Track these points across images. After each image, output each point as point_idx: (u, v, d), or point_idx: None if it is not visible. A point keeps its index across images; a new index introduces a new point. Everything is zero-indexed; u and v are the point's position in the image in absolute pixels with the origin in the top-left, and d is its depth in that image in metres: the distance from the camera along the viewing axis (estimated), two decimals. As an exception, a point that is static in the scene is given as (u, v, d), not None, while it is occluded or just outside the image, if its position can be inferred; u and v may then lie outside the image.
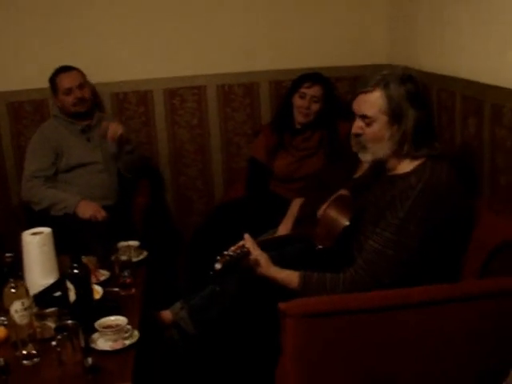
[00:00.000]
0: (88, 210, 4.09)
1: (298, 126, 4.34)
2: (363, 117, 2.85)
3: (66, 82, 4.35)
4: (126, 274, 3.22)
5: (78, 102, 4.34)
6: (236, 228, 3.31)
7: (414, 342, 2.62)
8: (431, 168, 2.78)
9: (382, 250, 2.74)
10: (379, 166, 3.03)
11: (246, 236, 2.99)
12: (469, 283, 2.78)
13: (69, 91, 4.33)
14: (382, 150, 2.86)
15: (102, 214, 4.09)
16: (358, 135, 2.90)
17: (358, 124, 2.88)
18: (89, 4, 4.62)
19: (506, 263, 2.72)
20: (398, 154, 2.85)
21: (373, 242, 2.79)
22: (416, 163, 2.83)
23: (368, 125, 2.84)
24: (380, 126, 2.82)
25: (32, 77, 4.61)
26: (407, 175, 2.82)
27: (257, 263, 2.94)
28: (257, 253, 2.95)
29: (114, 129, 4.22)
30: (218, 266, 2.85)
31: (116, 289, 3.20)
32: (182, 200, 5.00)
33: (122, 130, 4.26)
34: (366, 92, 2.85)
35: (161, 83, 4.79)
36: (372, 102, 2.82)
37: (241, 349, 3.07)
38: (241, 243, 3.00)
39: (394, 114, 2.79)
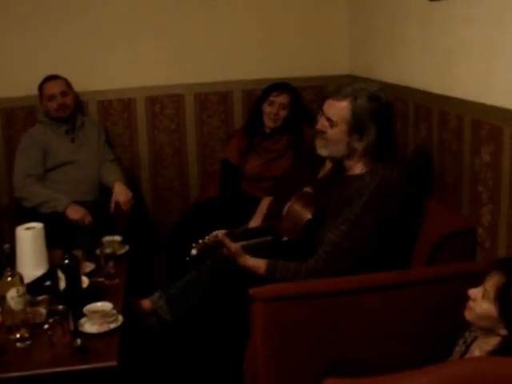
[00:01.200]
0: (76, 213, 4.14)
1: (268, 131, 4.42)
2: (328, 119, 2.97)
3: (49, 89, 4.41)
4: (110, 265, 3.31)
5: (59, 107, 4.40)
6: (210, 224, 3.38)
7: (371, 323, 2.71)
8: (384, 170, 2.91)
9: (339, 241, 2.85)
10: (340, 167, 3.16)
11: (218, 231, 3.12)
12: (418, 269, 2.92)
13: (52, 97, 4.39)
14: (337, 151, 3.00)
15: (89, 219, 4.15)
16: (321, 132, 3.02)
17: (324, 123, 3.00)
18: (77, 18, 4.66)
19: (450, 252, 2.89)
20: (354, 158, 2.98)
21: (331, 235, 2.90)
22: (371, 165, 2.95)
23: (331, 126, 2.96)
24: (339, 131, 2.94)
25: (24, 84, 4.64)
26: (363, 175, 2.94)
27: (229, 252, 3.05)
28: (228, 242, 3.06)
29: (126, 203, 4.28)
30: (193, 251, 2.97)
31: (101, 279, 3.29)
32: (160, 199, 5.04)
33: (131, 197, 4.32)
34: (335, 99, 2.96)
35: (143, 91, 4.84)
36: (338, 110, 2.94)
37: (214, 334, 3.18)
38: (214, 233, 3.12)
39: (355, 126, 2.90)
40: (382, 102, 2.93)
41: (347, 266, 2.85)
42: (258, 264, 3.00)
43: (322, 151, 3.07)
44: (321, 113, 3.06)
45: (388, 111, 2.97)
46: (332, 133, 2.97)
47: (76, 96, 4.62)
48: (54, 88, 4.42)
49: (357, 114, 2.89)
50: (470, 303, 2.20)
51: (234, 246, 3.08)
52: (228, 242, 3.08)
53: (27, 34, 4.66)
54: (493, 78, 2.79)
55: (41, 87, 4.47)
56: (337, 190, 3.10)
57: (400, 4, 3.78)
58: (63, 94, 4.44)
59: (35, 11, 4.64)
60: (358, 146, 2.93)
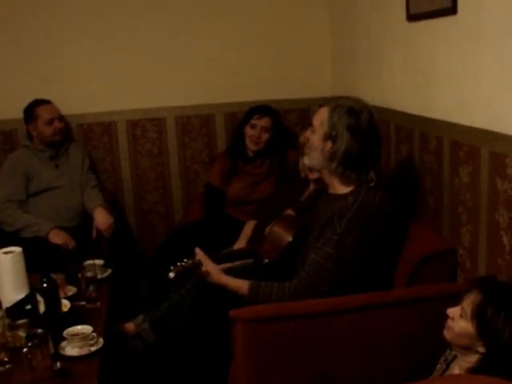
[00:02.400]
0: (59, 238, 4.17)
1: (251, 154, 4.47)
2: (311, 125, 3.06)
3: (47, 113, 4.44)
4: (91, 289, 3.32)
5: (57, 132, 4.45)
6: (194, 247, 3.35)
7: (352, 343, 2.76)
8: (366, 191, 2.95)
9: (322, 262, 2.88)
10: (321, 187, 3.21)
11: (197, 250, 3.14)
12: (398, 291, 2.95)
13: (50, 122, 4.43)
14: (315, 158, 3.04)
15: (72, 244, 4.18)
16: (306, 141, 3.13)
17: (308, 131, 3.12)
18: (57, 40, 4.71)
19: (430, 273, 2.94)
20: (330, 171, 3.01)
21: (314, 256, 2.92)
22: (353, 186, 2.99)
23: (312, 132, 3.04)
24: (318, 137, 3.00)
25: (1, 108, 4.67)
26: (345, 195, 2.97)
27: (208, 273, 3.08)
28: (207, 263, 3.10)
29: (107, 229, 4.32)
30: (171, 274, 3.00)
31: (82, 302, 3.30)
32: (144, 223, 5.07)
33: (111, 222, 4.36)
34: (322, 106, 3.05)
35: (123, 115, 4.87)
36: (319, 115, 3.02)
37: (198, 355, 3.19)
38: (193, 256, 3.15)
39: (329, 132, 2.94)
40: (359, 120, 2.94)
41: (330, 287, 2.87)
42: (241, 285, 3.02)
43: (305, 159, 3.18)
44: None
45: (367, 130, 2.96)
46: (312, 139, 3.04)
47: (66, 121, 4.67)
48: (51, 112, 4.47)
49: (332, 121, 2.94)
50: (449, 322, 2.24)
51: (213, 266, 3.11)
52: (207, 262, 3.11)
53: (3, 58, 4.70)
54: (471, 99, 2.85)
55: (32, 110, 4.48)
56: (319, 209, 3.14)
57: (380, 25, 3.85)
58: (60, 118, 4.50)
59: (13, 36, 4.68)
60: (329, 154, 2.97)
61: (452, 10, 2.89)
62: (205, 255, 3.14)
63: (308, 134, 3.10)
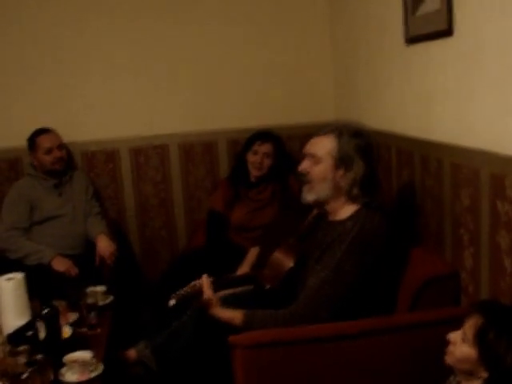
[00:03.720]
0: (62, 265, 4.16)
1: (253, 180, 4.45)
2: (312, 156, 2.98)
3: (46, 142, 4.45)
4: (92, 315, 3.32)
5: (56, 161, 4.45)
6: (197, 274, 3.33)
7: (354, 369, 2.73)
8: (365, 215, 2.92)
9: (320, 286, 2.84)
10: (321, 214, 3.18)
11: (204, 276, 3.09)
12: (400, 315, 2.92)
13: (49, 151, 4.43)
14: (323, 190, 2.97)
15: (75, 271, 4.17)
16: (304, 174, 3.01)
17: (306, 163, 3.01)
18: (61, 70, 4.74)
19: (433, 297, 2.90)
20: (340, 198, 2.98)
21: (312, 280, 2.89)
22: (353, 210, 2.96)
23: (315, 164, 2.97)
24: (325, 167, 2.94)
25: (6, 136, 4.71)
26: (344, 221, 2.95)
27: (207, 303, 3.03)
28: (208, 293, 3.03)
29: (109, 256, 4.30)
30: (171, 302, 2.98)
31: (84, 329, 3.29)
32: (148, 250, 5.06)
33: (114, 249, 4.35)
34: (318, 135, 3.00)
35: (127, 142, 4.89)
36: (323, 144, 2.96)
37: (199, 381, 3.15)
38: (192, 283, 3.12)
39: (341, 161, 2.92)
40: (365, 139, 2.97)
41: (328, 312, 2.83)
42: (234, 315, 2.95)
43: (308, 196, 3.04)
44: (302, 156, 3.07)
45: (371, 149, 2.99)
46: (316, 170, 2.97)
47: (68, 149, 4.68)
48: (51, 141, 4.47)
49: (343, 148, 2.92)
50: (450, 347, 2.21)
51: (210, 295, 3.04)
52: (207, 292, 3.05)
53: (9, 86, 4.75)
54: (471, 121, 2.84)
55: (33, 140, 4.50)
56: (318, 236, 3.11)
57: (379, 49, 3.87)
58: (59, 147, 4.50)
59: (18, 65, 4.73)
60: (343, 182, 2.95)
61: (448, 31, 2.90)
62: (209, 283, 3.07)
63: (308, 166, 3.01)
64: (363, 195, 2.95)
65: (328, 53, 4.93)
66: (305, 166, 3.02)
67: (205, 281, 3.08)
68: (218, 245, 4.42)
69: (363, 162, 2.92)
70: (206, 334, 3.11)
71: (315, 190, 3.00)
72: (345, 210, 3.00)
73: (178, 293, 3.07)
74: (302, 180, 3.06)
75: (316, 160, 2.97)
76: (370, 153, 2.98)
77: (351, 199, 2.98)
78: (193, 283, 3.13)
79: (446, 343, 2.22)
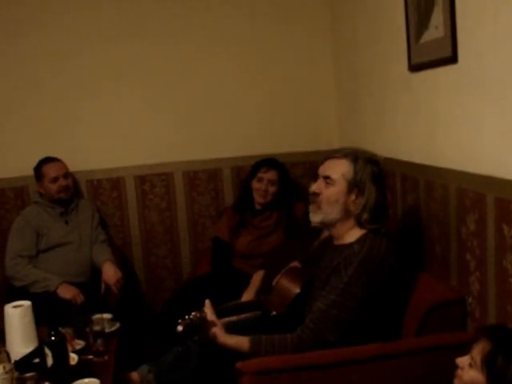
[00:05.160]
0: (68, 292, 4.15)
1: (258, 207, 4.46)
2: (326, 177, 2.98)
3: (52, 171, 4.46)
4: (99, 342, 3.30)
5: (62, 189, 4.46)
6: (202, 301, 3.32)
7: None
8: (372, 239, 2.93)
9: (326, 310, 2.83)
10: (327, 239, 3.19)
11: (207, 302, 3.05)
12: (407, 340, 2.90)
13: (55, 180, 4.44)
14: (332, 213, 2.97)
15: (81, 298, 4.16)
16: (315, 194, 3.00)
17: (319, 184, 3.00)
18: (66, 99, 4.78)
19: (440, 322, 2.89)
20: (347, 222, 2.99)
21: (319, 303, 2.88)
22: (359, 234, 2.97)
23: (328, 185, 2.97)
24: (338, 190, 2.95)
25: (13, 165, 4.74)
26: (351, 244, 2.95)
27: (212, 332, 2.97)
28: (211, 318, 2.98)
29: (115, 284, 4.30)
30: (179, 328, 2.95)
31: (90, 356, 3.27)
32: (152, 277, 5.05)
33: (120, 277, 4.34)
34: (335, 158, 3.00)
35: (131, 170, 4.91)
36: (339, 167, 2.96)
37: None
38: (201, 310, 3.09)
39: (355, 185, 2.93)
40: (378, 166, 3.00)
41: (335, 336, 2.82)
42: (241, 341, 2.91)
43: (315, 217, 3.03)
44: (315, 177, 3.07)
45: (383, 177, 3.04)
46: (329, 192, 2.97)
47: (73, 177, 4.70)
48: (56, 170, 4.49)
49: (357, 173, 2.93)
50: (459, 372, 2.20)
51: (214, 320, 3.00)
52: (211, 319, 3.00)
53: (16, 116, 4.78)
54: (475, 146, 2.84)
55: (39, 169, 4.52)
56: (324, 260, 3.11)
57: (382, 77, 3.88)
58: (65, 176, 4.52)
59: (24, 95, 4.76)
60: (353, 206, 2.96)
61: (453, 58, 2.91)
62: (212, 309, 3.02)
63: (320, 187, 3.00)
64: (372, 221, 2.96)
65: (331, 80, 4.96)
66: (318, 186, 3.01)
67: (207, 306, 3.05)
68: (223, 272, 4.40)
69: (375, 188, 2.94)
70: (212, 358, 3.08)
71: (323, 211, 2.99)
72: (351, 234, 3.00)
73: (185, 318, 3.05)
74: (312, 200, 3.05)
75: (330, 182, 2.97)
76: (382, 180, 3.01)
77: (359, 224, 2.98)
78: (202, 309, 3.12)
79: (455, 367, 2.21)
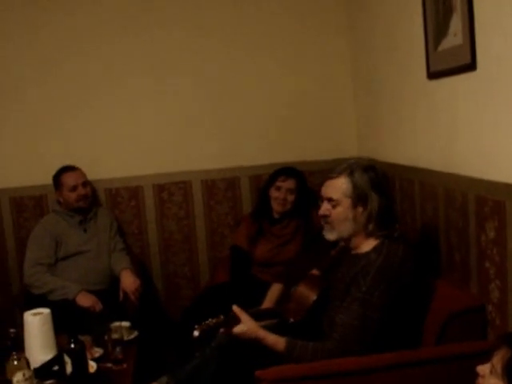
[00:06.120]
0: (87, 301, 4.17)
1: (276, 216, 4.45)
2: (329, 199, 3.04)
3: (71, 179, 4.50)
4: (117, 350, 3.33)
5: (81, 198, 4.49)
6: (220, 310, 3.33)
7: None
8: (389, 246, 2.95)
9: (350, 322, 2.85)
10: (344, 247, 3.20)
11: (234, 306, 3.12)
12: (427, 349, 2.90)
13: (74, 188, 4.48)
14: (346, 229, 3.03)
15: (99, 306, 4.18)
16: (325, 216, 3.07)
17: (326, 206, 3.07)
18: (85, 108, 4.82)
19: (460, 330, 2.88)
20: (362, 233, 3.02)
21: (342, 316, 2.90)
22: (375, 243, 2.99)
23: (334, 207, 3.02)
24: (344, 208, 3.00)
25: (32, 174, 4.80)
26: (368, 253, 2.97)
27: (244, 327, 3.04)
28: (244, 318, 3.07)
29: (134, 292, 4.31)
30: (195, 333, 2.99)
31: (109, 364, 3.30)
32: (170, 286, 5.07)
33: (138, 285, 4.36)
34: (332, 178, 3.06)
35: (150, 179, 4.93)
36: (337, 187, 3.02)
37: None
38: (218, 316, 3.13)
39: (358, 198, 2.98)
40: (377, 172, 3.04)
41: (360, 346, 2.84)
42: (277, 340, 2.97)
43: (330, 235, 3.11)
44: (320, 199, 3.13)
45: (384, 180, 3.07)
46: (336, 213, 3.04)
47: (92, 186, 4.73)
48: (75, 179, 4.52)
49: (356, 186, 2.98)
50: (479, 380, 2.19)
51: (250, 320, 3.08)
52: (244, 316, 3.08)
53: (35, 125, 4.83)
54: (494, 153, 2.84)
55: (58, 178, 4.56)
56: (342, 269, 3.13)
57: (401, 85, 3.88)
58: (84, 184, 4.55)
59: (43, 105, 4.82)
60: (363, 218, 3.00)
61: (471, 66, 2.91)
62: (241, 310, 3.11)
63: (327, 209, 3.07)
64: (380, 229, 3.00)
65: (349, 88, 4.97)
66: (324, 210, 3.09)
67: (237, 309, 3.11)
68: (242, 281, 4.41)
69: (377, 194, 2.98)
70: (230, 367, 3.10)
71: (337, 230, 3.07)
72: (368, 243, 3.03)
73: (202, 323, 3.08)
74: (324, 221, 3.12)
75: (334, 203, 3.03)
76: (383, 185, 3.05)
77: (376, 231, 3.01)
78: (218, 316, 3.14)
79: (475, 376, 2.20)
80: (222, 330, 3.14)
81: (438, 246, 3.43)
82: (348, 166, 3.05)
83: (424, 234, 3.60)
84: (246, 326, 3.06)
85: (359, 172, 3.01)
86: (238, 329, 3.06)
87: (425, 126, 3.57)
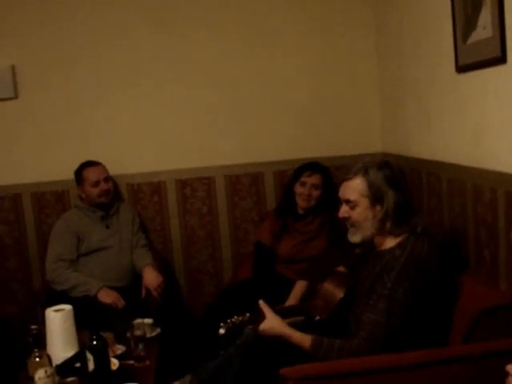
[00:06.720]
0: (108, 297, 4.19)
1: (301, 212, 4.43)
2: (347, 201, 3.05)
3: (93, 175, 4.51)
4: (140, 347, 3.34)
5: (103, 193, 4.50)
6: (244, 306, 3.37)
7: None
8: (413, 242, 2.94)
9: (376, 319, 2.85)
10: (370, 244, 3.18)
11: (260, 301, 3.15)
12: (456, 347, 2.86)
13: (96, 184, 4.49)
14: (368, 229, 3.04)
15: (121, 303, 4.19)
16: (345, 218, 3.09)
17: (344, 208, 3.08)
18: (107, 103, 4.85)
19: (489, 328, 2.83)
20: (383, 231, 3.01)
21: (369, 314, 2.89)
22: (400, 238, 2.99)
23: (352, 208, 3.04)
24: (363, 208, 3.02)
25: (53, 169, 4.82)
26: (392, 249, 2.97)
27: (270, 324, 3.06)
28: (270, 315, 3.09)
29: (156, 289, 4.32)
30: (221, 331, 3.00)
31: (131, 361, 3.31)
32: (193, 282, 5.07)
33: (161, 281, 4.36)
34: (348, 179, 3.07)
35: (172, 174, 4.93)
36: (354, 188, 3.02)
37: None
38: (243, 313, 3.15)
39: (375, 197, 2.98)
40: (392, 168, 3.04)
41: (387, 343, 2.83)
42: (303, 338, 2.98)
43: (354, 238, 3.12)
44: (339, 201, 3.14)
45: (401, 176, 3.06)
46: (356, 213, 3.05)
47: (114, 181, 4.74)
48: (97, 174, 4.53)
49: (373, 185, 2.99)
50: (510, 379, 2.17)
51: (276, 318, 3.09)
52: (270, 314, 3.10)
53: (57, 120, 4.86)
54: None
55: (80, 173, 4.57)
56: (368, 267, 3.12)
57: (428, 79, 3.85)
58: (106, 179, 4.56)
59: (66, 100, 4.85)
60: (381, 216, 2.99)
61: (501, 59, 2.88)
62: (268, 307, 3.14)
63: (346, 212, 3.08)
64: (398, 225, 3.00)
65: (375, 83, 4.94)
66: (343, 212, 3.10)
67: (262, 304, 3.14)
68: (265, 277, 4.41)
69: (393, 190, 2.98)
70: (254, 366, 3.09)
71: (360, 231, 3.08)
72: (392, 240, 3.03)
73: (227, 321, 3.08)
74: (346, 223, 3.13)
75: (352, 204, 3.05)
76: (399, 181, 3.04)
77: (394, 228, 3.01)
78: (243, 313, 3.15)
79: (505, 375, 2.18)
80: (250, 326, 3.17)
81: (465, 242, 3.40)
82: (362, 166, 3.05)
83: (451, 230, 3.57)
84: (272, 322, 3.07)
85: (374, 170, 3.01)
86: (263, 325, 3.08)
87: (453, 120, 3.53)
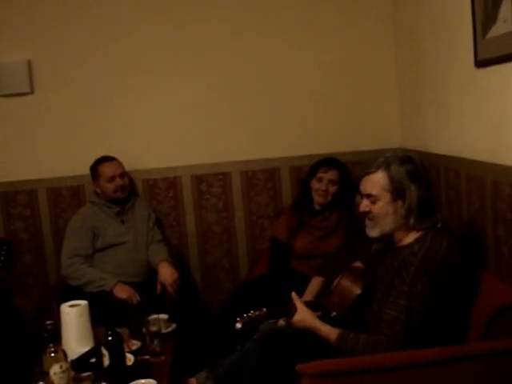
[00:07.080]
0: (124, 292, 4.21)
1: (317, 207, 4.42)
2: (368, 196, 3.05)
3: (109, 170, 4.53)
4: (155, 343, 3.35)
5: (119, 189, 4.52)
6: (260, 302, 3.39)
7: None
8: (432, 237, 2.94)
9: (397, 316, 2.85)
10: (389, 240, 3.17)
11: (293, 294, 3.21)
12: (475, 344, 2.85)
13: (112, 179, 4.50)
14: (388, 224, 3.04)
15: (136, 298, 4.21)
16: (365, 213, 3.08)
17: (365, 203, 3.08)
18: (122, 99, 4.86)
19: (508, 325, 2.82)
20: (404, 227, 3.01)
21: (389, 311, 2.89)
22: (419, 234, 2.98)
23: (373, 202, 3.04)
24: (384, 203, 3.01)
25: (69, 165, 4.86)
26: (411, 244, 2.97)
27: (301, 316, 3.12)
28: (301, 307, 3.14)
29: (171, 284, 4.33)
30: (238, 325, 3.01)
31: (146, 357, 3.32)
32: (209, 278, 5.08)
33: (176, 277, 4.37)
34: (369, 173, 3.07)
35: (188, 170, 4.94)
36: (375, 182, 3.02)
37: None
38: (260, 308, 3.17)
39: (397, 191, 2.97)
40: (414, 162, 3.03)
41: (408, 339, 2.83)
42: (330, 331, 3.03)
43: (373, 232, 3.13)
44: (359, 196, 3.16)
45: (423, 171, 3.06)
46: (377, 208, 3.05)
47: (130, 177, 4.76)
48: (113, 169, 4.55)
49: (395, 180, 2.99)
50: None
51: (306, 310, 3.14)
52: (301, 306, 3.15)
53: (73, 116, 4.88)
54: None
55: (96, 168, 4.59)
56: (386, 262, 3.11)
57: (447, 74, 3.83)
58: (122, 175, 4.57)
59: (82, 95, 4.86)
60: (403, 211, 2.99)
61: (523, 53, 2.85)
62: (299, 299, 3.20)
63: (367, 206, 3.08)
64: (422, 221, 3.00)
65: (393, 77, 4.91)
66: (364, 206, 3.11)
67: (295, 296, 3.20)
68: (281, 273, 4.40)
69: (415, 185, 2.98)
70: (271, 361, 3.09)
71: (379, 226, 3.09)
72: (411, 236, 3.03)
73: (244, 316, 3.09)
74: (366, 217, 3.13)
75: (373, 199, 3.05)
76: (422, 176, 3.04)
77: (418, 224, 3.00)
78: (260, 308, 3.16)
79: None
80: (282, 319, 3.24)
81: (484, 239, 3.38)
82: (385, 160, 3.05)
83: (470, 226, 3.55)
84: (303, 314, 3.12)
85: (396, 164, 3.01)
86: (296, 317, 3.12)
87: (472, 115, 3.51)
